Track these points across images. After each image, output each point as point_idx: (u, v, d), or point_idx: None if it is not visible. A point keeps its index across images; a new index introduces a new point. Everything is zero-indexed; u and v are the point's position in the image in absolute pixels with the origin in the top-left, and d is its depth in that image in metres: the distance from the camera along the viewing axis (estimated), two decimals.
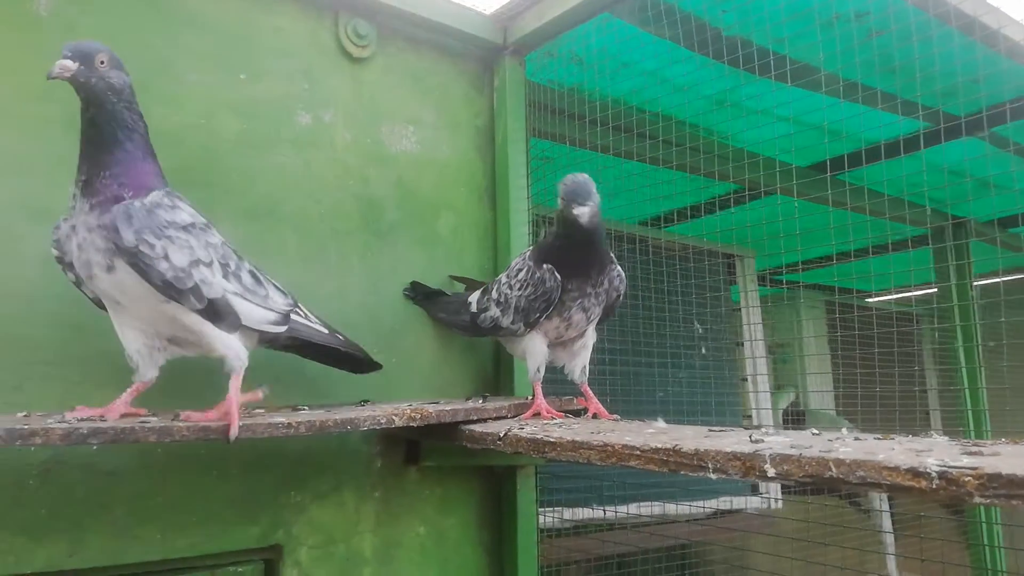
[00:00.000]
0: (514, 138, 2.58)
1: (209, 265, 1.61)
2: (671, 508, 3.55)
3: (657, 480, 3.63)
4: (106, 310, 1.65)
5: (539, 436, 1.64)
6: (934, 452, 1.12)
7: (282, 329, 1.76)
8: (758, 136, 3.23)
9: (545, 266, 1.97)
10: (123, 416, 1.59)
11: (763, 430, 1.52)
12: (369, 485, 2.18)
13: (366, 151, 2.34)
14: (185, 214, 1.62)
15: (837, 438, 1.35)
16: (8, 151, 1.77)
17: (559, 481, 3.21)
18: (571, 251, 1.95)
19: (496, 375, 2.53)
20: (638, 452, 1.41)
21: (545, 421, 1.90)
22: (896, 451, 1.13)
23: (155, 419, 1.54)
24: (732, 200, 3.50)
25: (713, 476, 1.28)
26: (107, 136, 1.53)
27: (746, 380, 4.46)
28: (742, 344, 4.49)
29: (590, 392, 2.10)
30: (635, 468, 1.42)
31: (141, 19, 1.99)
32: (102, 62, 1.51)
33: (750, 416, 4.42)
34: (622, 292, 2.06)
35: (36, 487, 1.70)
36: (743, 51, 2.54)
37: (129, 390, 1.65)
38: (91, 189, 1.51)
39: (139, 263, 1.49)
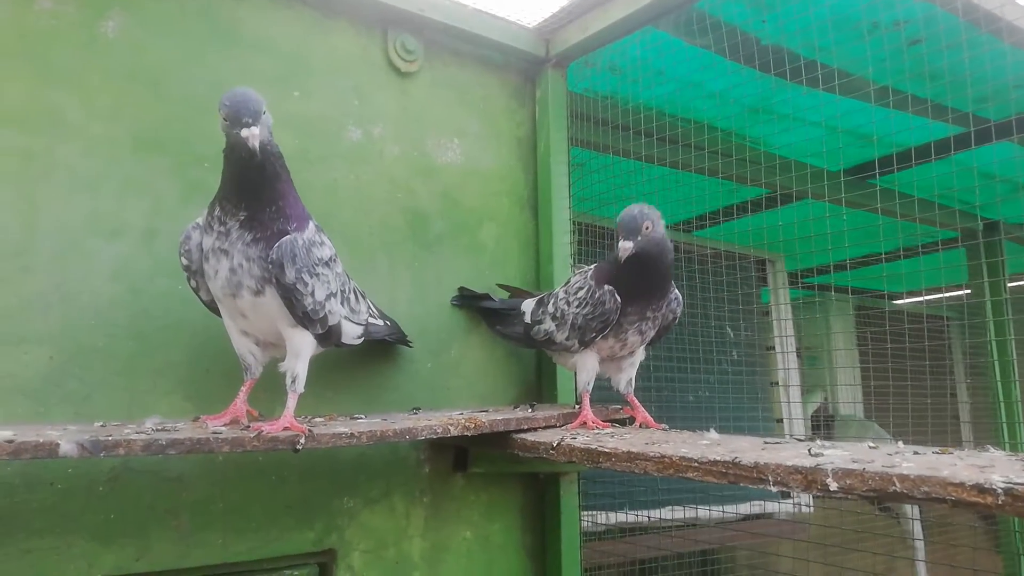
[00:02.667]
0: (556, 148, 2.62)
1: (335, 296, 1.77)
2: (702, 512, 3.58)
3: (689, 485, 3.66)
4: (218, 314, 1.76)
5: (593, 446, 1.67)
6: (996, 468, 1.15)
7: (360, 341, 1.93)
8: (790, 140, 3.25)
9: (606, 287, 1.99)
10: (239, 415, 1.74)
11: (818, 443, 1.55)
12: (418, 491, 2.23)
13: (413, 164, 2.39)
14: (327, 249, 1.76)
15: (896, 452, 1.37)
16: (79, 170, 1.83)
17: (592, 486, 3.25)
18: (633, 275, 1.96)
19: (539, 382, 2.57)
20: (696, 464, 1.45)
21: (595, 431, 1.94)
22: (959, 467, 1.16)
23: (225, 430, 1.60)
24: (763, 204, 3.53)
25: (773, 489, 1.31)
26: (268, 177, 1.60)
27: (777, 385, 4.46)
28: (773, 348, 4.50)
29: (636, 402, 2.13)
30: (693, 479, 1.45)
31: (203, 41, 2.06)
32: (267, 119, 1.60)
33: (781, 421, 4.42)
34: (678, 315, 2.09)
35: (105, 493, 1.77)
36: (778, 58, 2.56)
37: (243, 389, 1.78)
38: (254, 223, 1.60)
39: (292, 298, 1.63)
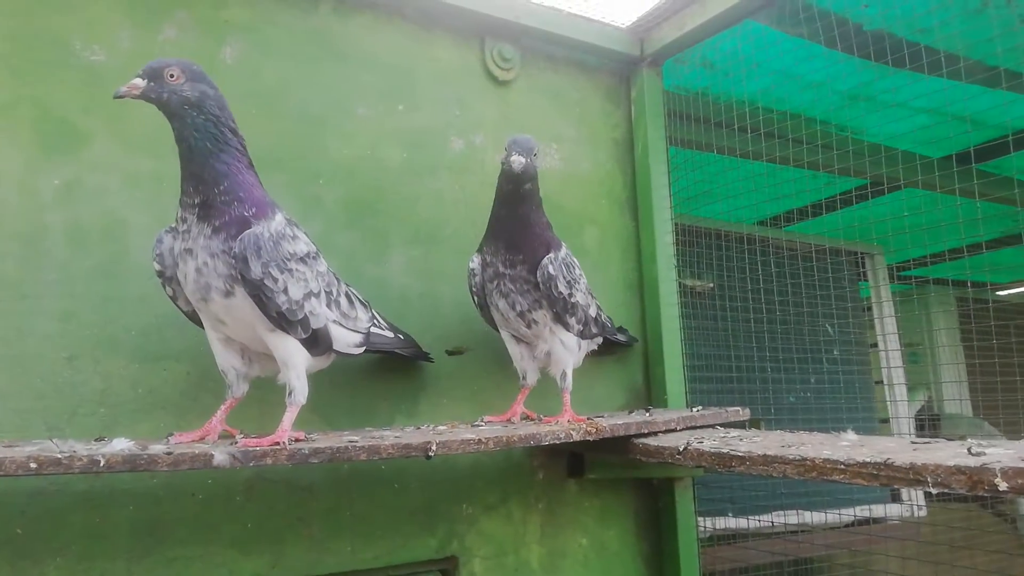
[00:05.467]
0: (654, 148, 2.59)
1: (318, 295, 1.63)
2: (809, 516, 3.47)
3: (793, 489, 3.55)
4: (201, 326, 1.66)
5: (724, 451, 1.64)
6: None
7: (361, 351, 1.80)
8: (893, 130, 3.13)
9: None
10: (220, 436, 1.61)
11: (971, 441, 1.47)
12: (533, 497, 2.23)
13: None
14: (302, 244, 1.63)
15: None
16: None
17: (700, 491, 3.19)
18: (494, 222, 1.97)
19: (647, 387, 2.54)
20: (842, 466, 1.39)
21: (723, 435, 1.90)
22: None
23: (358, 438, 1.63)
24: (859, 195, 3.41)
25: (933, 491, 1.25)
26: (198, 151, 1.49)
27: (881, 383, 4.29)
28: (875, 345, 4.33)
29: (566, 400, 2.04)
30: (839, 482, 1.40)
31: (317, 60, 2.12)
32: (172, 76, 1.47)
33: (887, 421, 4.25)
34: (553, 278, 1.91)
35: (242, 502, 1.83)
36: (880, 44, 2.47)
37: (223, 407, 1.65)
38: (210, 211, 1.49)
39: (261, 295, 1.50)
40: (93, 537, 1.66)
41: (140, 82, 1.48)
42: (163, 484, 1.74)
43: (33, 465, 1.25)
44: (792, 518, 3.39)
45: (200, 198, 1.49)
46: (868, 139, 3.32)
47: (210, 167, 1.49)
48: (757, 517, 3.25)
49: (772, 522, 3.21)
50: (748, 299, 3.15)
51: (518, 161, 1.79)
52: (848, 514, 3.71)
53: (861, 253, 4.46)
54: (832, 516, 3.60)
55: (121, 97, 1.49)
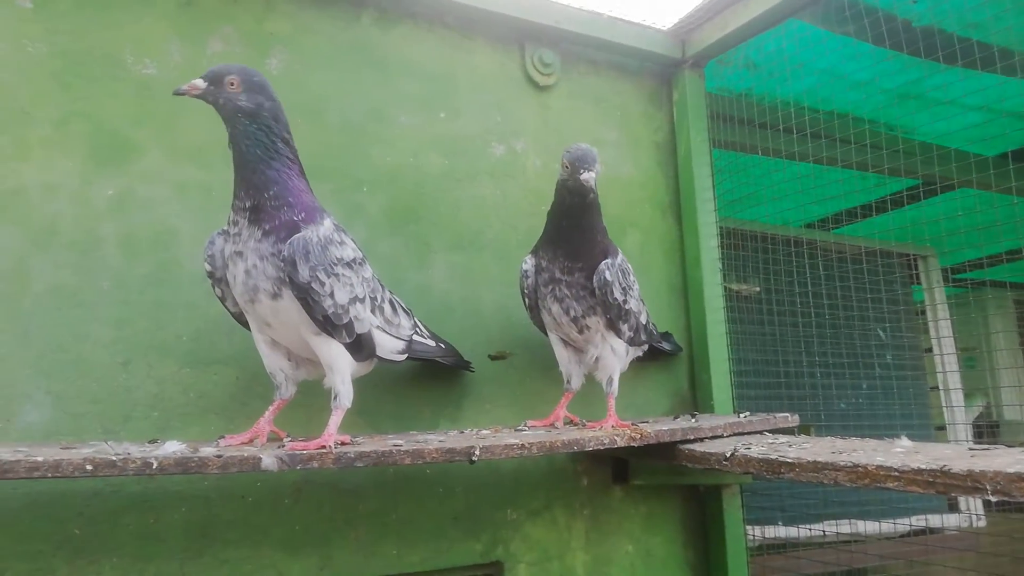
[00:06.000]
0: (697, 150, 2.56)
1: (363, 301, 1.65)
2: (862, 526, 3.38)
3: (845, 498, 3.46)
4: (248, 327, 1.69)
5: (772, 457, 1.60)
6: None
7: (403, 358, 1.83)
8: (944, 128, 3.05)
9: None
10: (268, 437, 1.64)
11: None
12: (578, 503, 2.21)
13: (555, 175, 2.38)
14: (349, 249, 1.65)
15: None
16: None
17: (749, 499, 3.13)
18: (551, 228, 1.97)
19: (693, 392, 2.50)
20: (896, 473, 1.35)
21: (771, 441, 1.86)
22: None
23: (403, 442, 1.64)
24: (911, 196, 3.31)
25: (993, 499, 1.21)
26: (249, 157, 1.53)
27: (936, 389, 4.17)
28: (930, 350, 4.20)
29: (610, 406, 2.02)
30: (892, 490, 1.36)
31: (361, 70, 2.15)
32: (231, 84, 1.53)
33: (943, 428, 4.12)
34: (609, 284, 1.90)
35: (291, 505, 1.85)
36: (929, 41, 2.41)
37: (271, 408, 1.69)
38: (260, 215, 1.53)
39: (308, 298, 1.52)
40: (147, 538, 1.70)
41: (200, 83, 1.53)
42: (214, 487, 1.78)
43: (89, 467, 1.28)
44: (844, 528, 3.31)
45: (251, 202, 1.53)
46: (919, 138, 3.23)
47: (260, 173, 1.53)
48: (808, 526, 3.18)
49: (824, 531, 3.13)
50: (796, 303, 3.09)
51: (590, 178, 1.77)
52: (903, 524, 3.61)
53: (913, 255, 4.34)
54: (886, 526, 3.50)
55: (180, 94, 1.54)
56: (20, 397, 1.65)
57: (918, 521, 3.73)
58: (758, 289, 3.21)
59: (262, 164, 1.53)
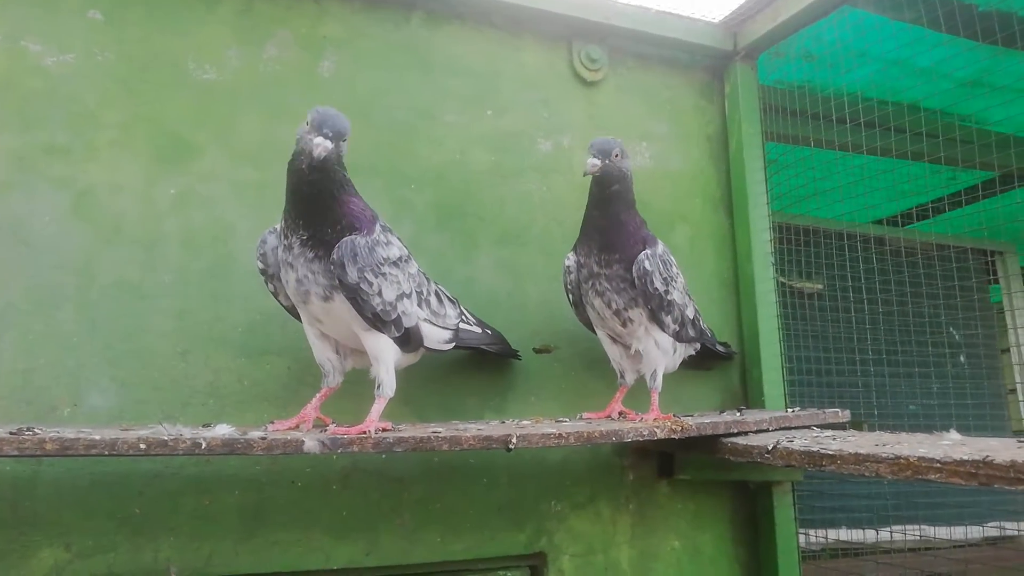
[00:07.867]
0: (749, 143, 2.53)
1: (409, 296, 1.72)
2: (932, 532, 3.25)
3: (915, 502, 3.34)
4: (299, 319, 1.77)
5: (814, 449, 1.58)
6: None
7: (450, 347, 1.88)
8: (1012, 114, 2.90)
9: None
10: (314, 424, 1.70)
11: None
12: (623, 497, 2.21)
13: None
14: (395, 248, 1.71)
15: None
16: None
17: (808, 499, 3.05)
18: (587, 222, 1.98)
19: (744, 387, 2.46)
20: (938, 464, 1.31)
21: (815, 435, 1.82)
22: None
23: (442, 430, 1.68)
24: (988, 188, 3.17)
25: None
26: (317, 200, 1.58)
27: (1015, 391, 3.97)
28: (1008, 350, 4.01)
29: (654, 400, 2.02)
30: (934, 482, 1.32)
31: (408, 71, 2.22)
32: (345, 139, 1.60)
33: (1022, 432, 3.92)
34: (649, 274, 1.90)
35: (339, 491, 1.92)
36: (1000, 25, 2.30)
37: (318, 395, 1.76)
38: (316, 242, 1.59)
39: (357, 298, 1.60)
40: (203, 519, 1.79)
41: (329, 144, 1.51)
42: (265, 471, 1.86)
43: (143, 446, 1.36)
44: (913, 533, 3.19)
45: (308, 232, 1.59)
46: (994, 129, 3.09)
47: (329, 210, 1.59)
48: (875, 528, 3.08)
49: (891, 536, 3.03)
50: (863, 301, 3.00)
51: (591, 163, 1.81)
52: (976, 531, 3.45)
53: (991, 252, 4.15)
54: (958, 532, 3.36)
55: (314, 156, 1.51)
56: (87, 383, 1.76)
57: (991, 529, 3.56)
58: (820, 287, 3.13)
59: (330, 200, 1.59)
